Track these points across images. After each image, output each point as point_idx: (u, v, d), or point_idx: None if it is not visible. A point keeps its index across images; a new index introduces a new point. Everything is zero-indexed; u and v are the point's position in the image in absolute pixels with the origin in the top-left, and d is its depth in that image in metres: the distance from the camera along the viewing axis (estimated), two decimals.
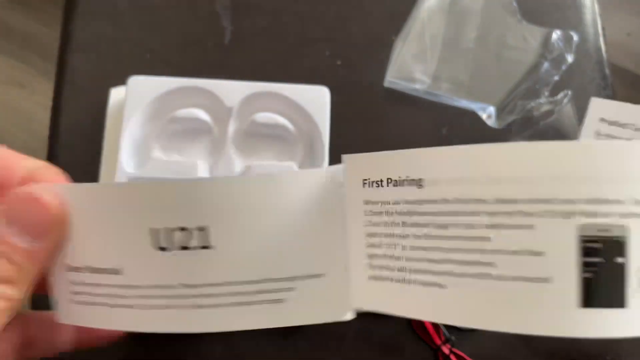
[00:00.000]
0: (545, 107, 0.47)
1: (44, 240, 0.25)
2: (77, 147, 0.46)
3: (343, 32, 0.51)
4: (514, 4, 0.50)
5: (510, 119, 0.48)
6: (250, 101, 0.46)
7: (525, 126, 0.47)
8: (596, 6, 0.53)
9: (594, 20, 0.53)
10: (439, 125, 0.49)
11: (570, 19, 0.52)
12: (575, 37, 0.49)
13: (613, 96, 0.50)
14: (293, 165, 0.45)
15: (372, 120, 0.49)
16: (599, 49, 0.52)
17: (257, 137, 0.46)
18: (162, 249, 0.24)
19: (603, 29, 0.53)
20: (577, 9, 0.53)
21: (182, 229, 0.24)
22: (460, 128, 0.48)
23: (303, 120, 0.46)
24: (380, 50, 0.50)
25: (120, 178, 0.42)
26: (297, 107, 0.45)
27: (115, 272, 0.25)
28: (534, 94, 0.48)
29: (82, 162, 0.44)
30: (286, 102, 0.45)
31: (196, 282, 0.25)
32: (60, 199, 0.25)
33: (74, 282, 0.26)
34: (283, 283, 0.25)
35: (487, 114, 0.48)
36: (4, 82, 1.15)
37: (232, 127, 0.46)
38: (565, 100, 0.47)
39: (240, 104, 0.46)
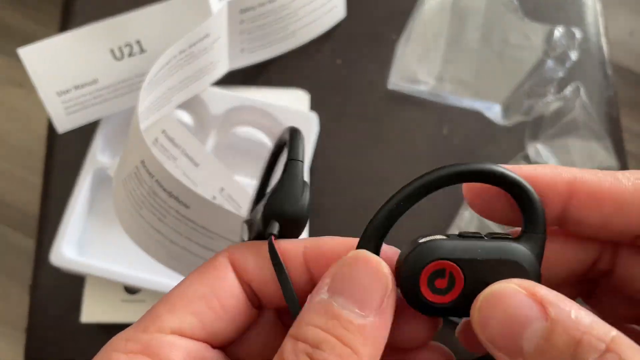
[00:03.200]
0: (555, 105, 0.47)
1: (381, 314, 0.19)
2: (74, 147, 0.46)
3: (343, 31, 0.51)
4: (515, 1, 0.50)
5: (517, 117, 0.47)
6: (236, 112, 0.45)
7: (539, 126, 0.47)
8: (598, 5, 0.53)
9: (596, 19, 0.52)
10: (440, 124, 0.48)
11: (572, 17, 0.52)
12: (578, 34, 0.49)
13: (615, 96, 0.50)
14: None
15: (373, 119, 0.48)
16: (601, 48, 0.51)
17: (236, 150, 0.45)
18: (118, 59, 0.42)
19: (605, 28, 0.52)
20: (579, 8, 0.52)
21: (127, 44, 0.41)
22: (461, 127, 0.48)
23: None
24: (380, 49, 0.50)
25: (91, 166, 0.43)
26: (282, 128, 0.45)
27: (94, 82, 0.42)
28: (539, 91, 0.48)
29: (80, 162, 0.44)
30: (272, 120, 0.45)
31: (142, 72, 0.43)
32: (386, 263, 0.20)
33: (63, 100, 0.41)
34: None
35: (493, 112, 0.48)
36: (3, 81, 1.15)
37: (213, 136, 0.45)
38: (577, 94, 0.47)
39: (225, 113, 0.45)
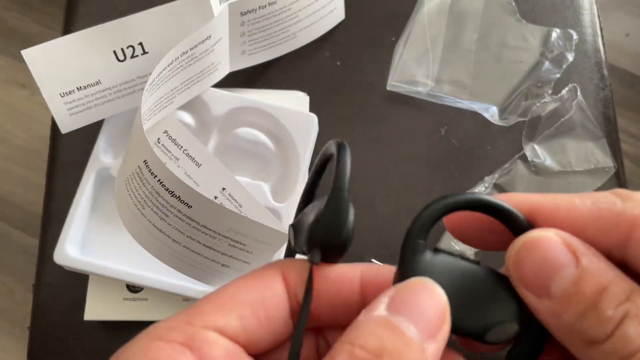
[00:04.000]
0: (551, 106, 0.47)
1: (438, 342, 0.19)
2: (77, 147, 0.46)
3: (342, 33, 0.51)
4: (513, 4, 0.51)
5: (514, 118, 0.48)
6: (237, 113, 0.45)
7: (536, 127, 0.47)
8: (595, 6, 0.53)
9: (593, 21, 0.53)
10: (438, 125, 0.49)
11: (569, 19, 0.52)
12: (575, 36, 0.50)
13: (611, 97, 0.50)
14: (263, 186, 0.45)
15: (372, 120, 0.49)
16: (598, 49, 0.52)
17: (237, 150, 0.46)
18: (121, 60, 0.42)
19: (601, 29, 0.53)
20: (576, 10, 0.53)
21: (129, 46, 0.42)
22: (459, 128, 0.49)
23: (286, 143, 0.46)
24: (379, 51, 0.51)
25: (94, 166, 0.44)
26: (283, 128, 0.45)
27: (97, 83, 0.42)
28: (536, 92, 0.48)
29: (83, 162, 0.44)
30: (273, 120, 0.45)
31: (144, 73, 0.43)
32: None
33: (67, 101, 0.42)
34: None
35: (490, 113, 0.48)
36: (5, 82, 1.15)
37: (214, 137, 0.45)
38: (574, 95, 0.47)
39: (226, 114, 0.45)
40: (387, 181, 0.47)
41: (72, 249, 0.42)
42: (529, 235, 0.19)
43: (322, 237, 0.22)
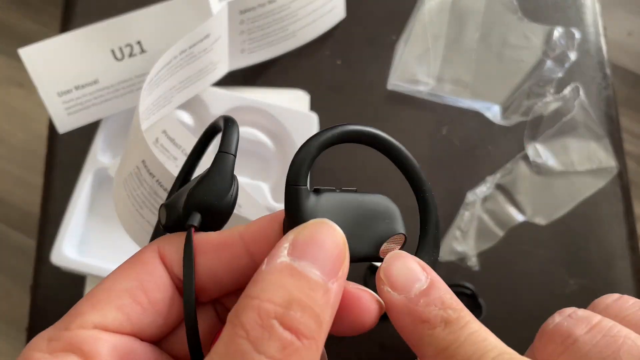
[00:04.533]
0: (553, 105, 0.47)
1: (339, 280, 0.19)
2: (75, 147, 0.46)
3: (343, 31, 0.51)
4: (515, 2, 0.50)
5: (515, 117, 0.47)
6: (236, 113, 0.45)
7: (538, 127, 0.47)
8: (597, 5, 0.53)
9: (595, 20, 0.52)
10: (440, 124, 0.48)
11: (571, 18, 0.52)
12: (577, 34, 0.49)
13: (614, 96, 0.50)
14: (263, 186, 0.44)
15: (372, 120, 0.49)
16: (600, 48, 0.51)
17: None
18: (119, 59, 0.42)
19: (604, 28, 0.53)
20: (578, 8, 0.52)
21: (127, 45, 0.41)
22: (461, 127, 0.48)
23: (286, 143, 0.45)
24: (380, 50, 0.50)
25: (91, 166, 0.43)
26: (283, 128, 0.45)
27: (94, 82, 0.42)
28: (538, 91, 0.48)
29: (81, 162, 0.44)
30: (272, 120, 0.45)
31: (142, 72, 0.43)
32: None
33: (64, 101, 0.42)
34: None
35: (492, 113, 0.48)
36: (4, 81, 1.15)
37: None
38: (576, 94, 0.47)
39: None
40: (388, 181, 0.47)
41: (70, 250, 0.41)
42: (400, 252, 0.22)
43: (202, 200, 0.21)
